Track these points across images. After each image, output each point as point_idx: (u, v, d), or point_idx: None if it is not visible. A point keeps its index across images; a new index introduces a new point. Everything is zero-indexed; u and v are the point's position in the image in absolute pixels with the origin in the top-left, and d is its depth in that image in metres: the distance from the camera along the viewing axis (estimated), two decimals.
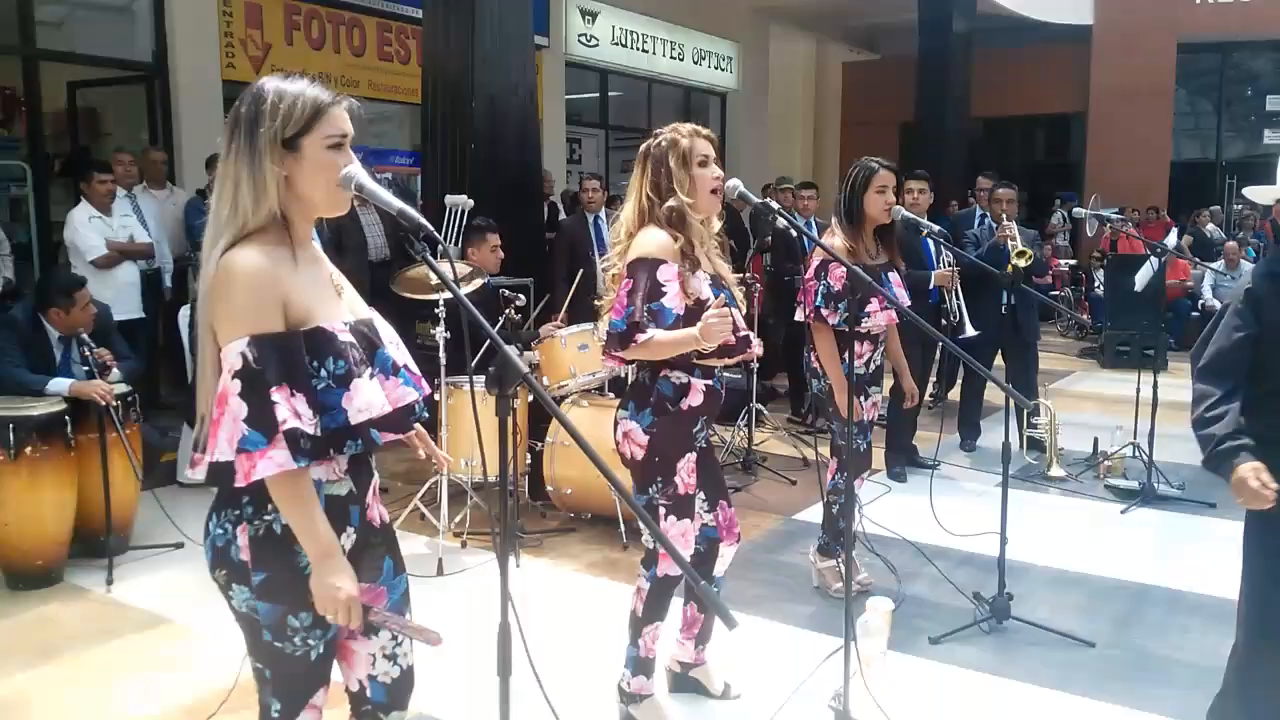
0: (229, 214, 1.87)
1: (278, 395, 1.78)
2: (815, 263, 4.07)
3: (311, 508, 1.86)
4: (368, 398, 1.88)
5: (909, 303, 4.08)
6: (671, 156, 2.94)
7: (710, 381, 3.02)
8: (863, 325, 4.01)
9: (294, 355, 1.83)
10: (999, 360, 6.56)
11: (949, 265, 5.98)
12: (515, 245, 5.86)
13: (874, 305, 3.97)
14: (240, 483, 1.77)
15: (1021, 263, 5.83)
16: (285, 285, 1.86)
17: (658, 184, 2.96)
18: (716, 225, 3.09)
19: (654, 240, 2.91)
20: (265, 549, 1.88)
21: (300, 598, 1.91)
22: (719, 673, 3.46)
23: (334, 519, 1.92)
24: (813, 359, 4.20)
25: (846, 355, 3.98)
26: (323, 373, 1.86)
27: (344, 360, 1.88)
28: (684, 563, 1.77)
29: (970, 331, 5.98)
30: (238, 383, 1.78)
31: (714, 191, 2.98)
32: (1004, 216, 6.16)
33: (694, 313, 2.87)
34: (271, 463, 1.76)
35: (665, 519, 3.02)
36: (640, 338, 2.84)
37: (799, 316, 4.15)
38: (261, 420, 1.76)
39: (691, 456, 3.02)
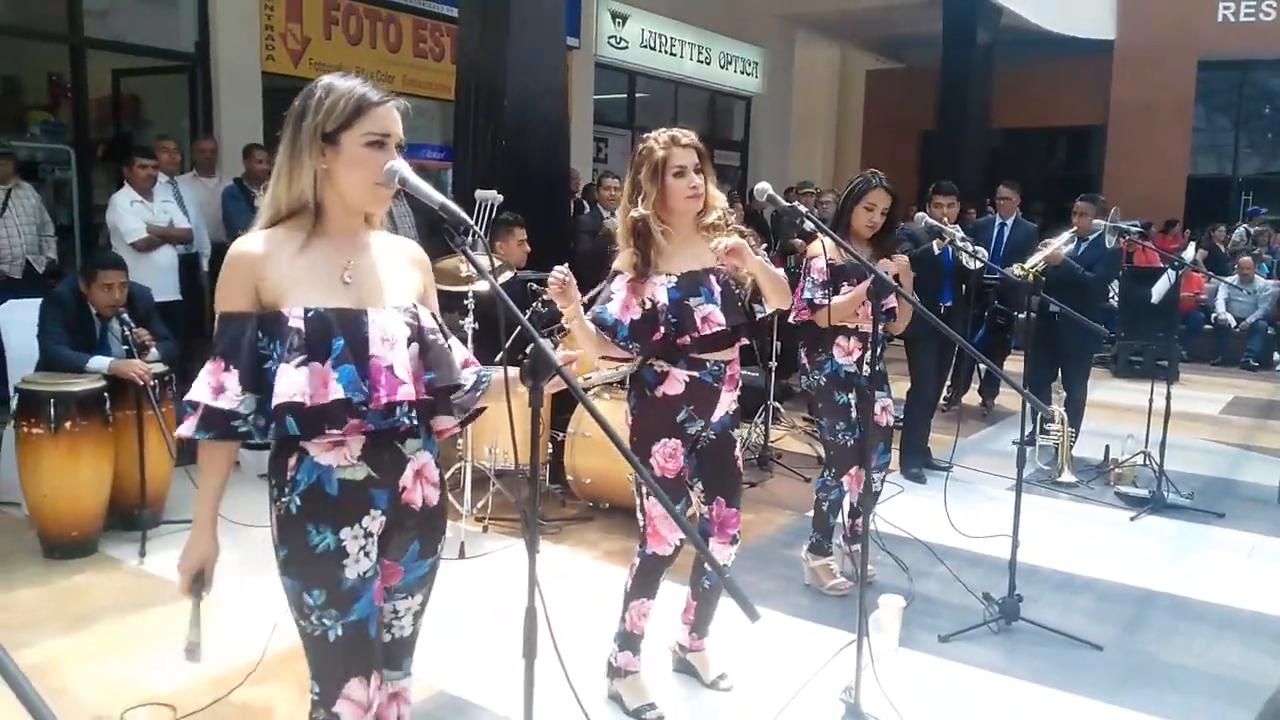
0: (269, 200, 1.98)
1: (209, 368, 1.90)
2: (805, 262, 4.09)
3: (207, 476, 2.00)
4: (285, 384, 1.87)
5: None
6: (644, 168, 2.95)
7: (695, 373, 3.03)
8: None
9: (239, 334, 1.91)
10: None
11: (978, 262, 5.73)
12: (543, 241, 5.94)
13: (890, 300, 3.94)
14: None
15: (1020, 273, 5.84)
16: (264, 269, 1.92)
17: (633, 195, 3.01)
18: (712, 216, 3.04)
19: (620, 258, 3.02)
20: (286, 526, 1.98)
21: (311, 576, 1.98)
22: (716, 662, 3.48)
23: (349, 502, 1.98)
24: (802, 356, 4.21)
25: (835, 352, 4.10)
26: (275, 354, 1.91)
27: (283, 344, 1.90)
28: (706, 552, 1.86)
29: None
30: None
31: (689, 199, 2.97)
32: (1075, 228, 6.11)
33: (647, 317, 2.95)
34: (186, 427, 1.91)
35: (647, 498, 3.10)
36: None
37: (792, 319, 4.12)
38: (194, 388, 1.91)
39: (670, 442, 3.05)
